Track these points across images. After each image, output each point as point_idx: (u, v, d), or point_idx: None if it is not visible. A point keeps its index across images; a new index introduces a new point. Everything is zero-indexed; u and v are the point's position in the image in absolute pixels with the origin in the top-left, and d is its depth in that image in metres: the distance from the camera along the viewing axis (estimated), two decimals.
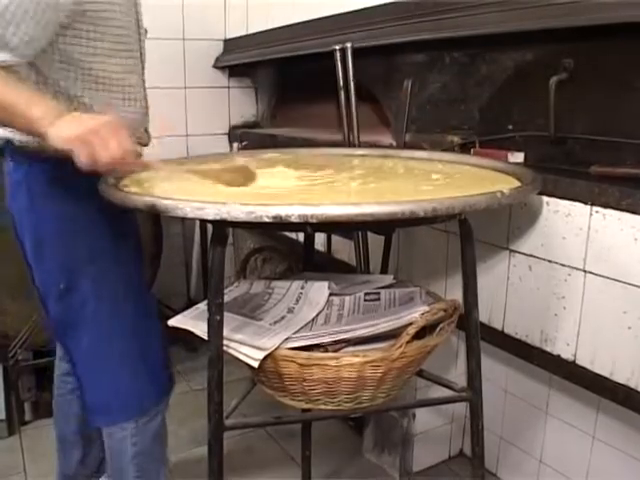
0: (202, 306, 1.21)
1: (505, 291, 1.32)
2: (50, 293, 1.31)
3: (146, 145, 1.39)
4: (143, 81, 1.39)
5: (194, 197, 0.96)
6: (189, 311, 1.22)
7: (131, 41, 1.29)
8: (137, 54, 1.33)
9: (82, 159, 1.01)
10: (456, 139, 1.56)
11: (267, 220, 0.86)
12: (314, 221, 0.86)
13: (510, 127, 1.46)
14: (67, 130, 1.02)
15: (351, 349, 1.09)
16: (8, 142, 1.25)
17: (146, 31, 1.45)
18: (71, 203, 1.27)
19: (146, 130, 1.42)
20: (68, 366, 1.50)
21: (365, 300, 1.24)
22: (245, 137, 2.66)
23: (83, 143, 1.01)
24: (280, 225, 0.88)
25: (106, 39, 1.20)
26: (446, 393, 1.24)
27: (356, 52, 1.73)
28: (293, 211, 0.85)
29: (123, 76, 1.27)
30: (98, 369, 1.35)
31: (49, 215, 1.27)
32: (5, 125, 1.18)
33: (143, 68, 1.39)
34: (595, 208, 1.11)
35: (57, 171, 1.23)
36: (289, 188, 1.15)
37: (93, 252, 1.30)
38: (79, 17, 1.15)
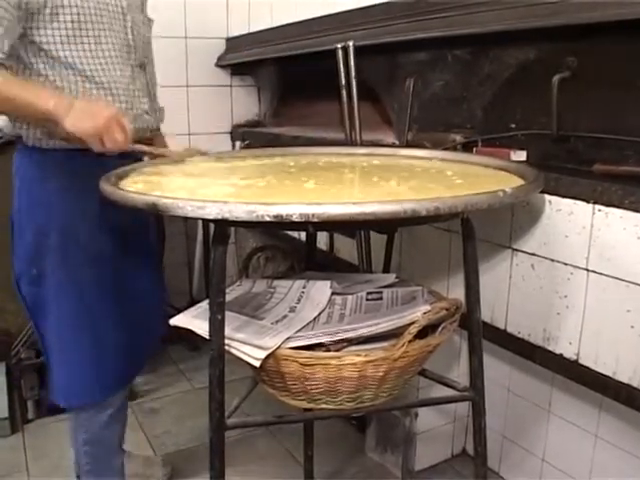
0: (204, 305, 1.21)
1: (507, 290, 1.32)
2: (23, 276, 1.41)
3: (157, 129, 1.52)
4: (133, 65, 1.43)
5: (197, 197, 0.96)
6: (191, 310, 1.22)
7: (98, 27, 1.32)
8: (113, 39, 1.36)
9: (95, 148, 1.21)
10: (458, 138, 1.56)
11: (268, 219, 0.85)
12: (316, 220, 0.85)
13: (513, 125, 1.45)
14: (82, 124, 1.18)
15: (353, 348, 1.09)
16: (18, 138, 1.38)
17: (150, 20, 1.50)
18: (53, 193, 1.36)
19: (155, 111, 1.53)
20: None
21: (367, 299, 1.24)
22: (247, 136, 2.66)
23: (96, 136, 1.19)
24: (282, 224, 0.88)
25: (62, 26, 1.28)
26: (448, 392, 1.24)
27: (358, 50, 1.72)
28: (295, 210, 0.85)
29: (86, 61, 1.33)
30: (60, 352, 1.44)
31: (31, 200, 1.37)
32: (19, 118, 1.33)
33: (130, 53, 1.42)
34: (598, 206, 1.11)
35: (47, 158, 1.36)
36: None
37: (63, 241, 1.38)
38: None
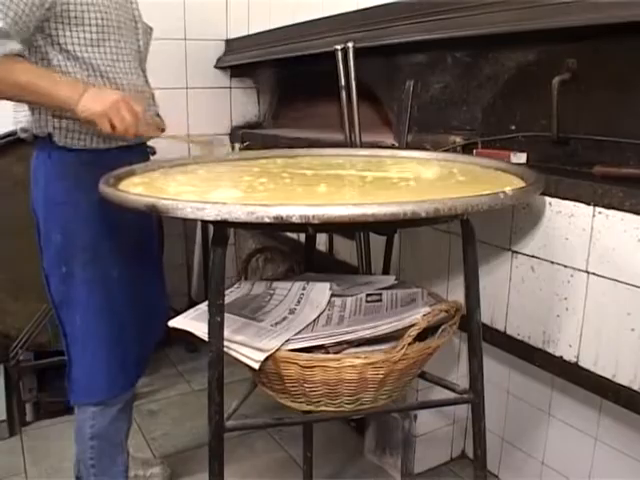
0: (203, 307, 1.20)
1: (507, 292, 1.31)
2: (53, 275, 1.44)
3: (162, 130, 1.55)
4: (142, 71, 1.51)
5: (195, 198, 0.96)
6: (190, 312, 1.21)
7: (118, 32, 1.39)
8: (129, 45, 1.44)
9: (104, 129, 1.27)
10: (458, 139, 1.55)
11: (268, 221, 0.85)
12: (315, 222, 0.85)
13: (513, 127, 1.45)
14: (92, 106, 1.25)
15: (352, 351, 1.09)
16: (36, 136, 1.40)
17: (151, 29, 1.57)
18: (78, 192, 1.38)
19: (157, 115, 1.56)
20: None
21: (367, 301, 1.23)
22: (247, 137, 2.66)
23: (104, 116, 1.25)
24: (282, 226, 0.88)
25: (87, 29, 1.33)
26: (448, 395, 1.24)
27: (358, 52, 1.72)
28: (294, 212, 0.85)
29: (108, 63, 1.38)
30: (85, 348, 1.47)
31: (58, 202, 1.40)
32: (36, 105, 1.34)
33: (141, 60, 1.51)
34: (598, 209, 1.10)
35: (72, 159, 1.39)
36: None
37: (90, 242, 1.42)
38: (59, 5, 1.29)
